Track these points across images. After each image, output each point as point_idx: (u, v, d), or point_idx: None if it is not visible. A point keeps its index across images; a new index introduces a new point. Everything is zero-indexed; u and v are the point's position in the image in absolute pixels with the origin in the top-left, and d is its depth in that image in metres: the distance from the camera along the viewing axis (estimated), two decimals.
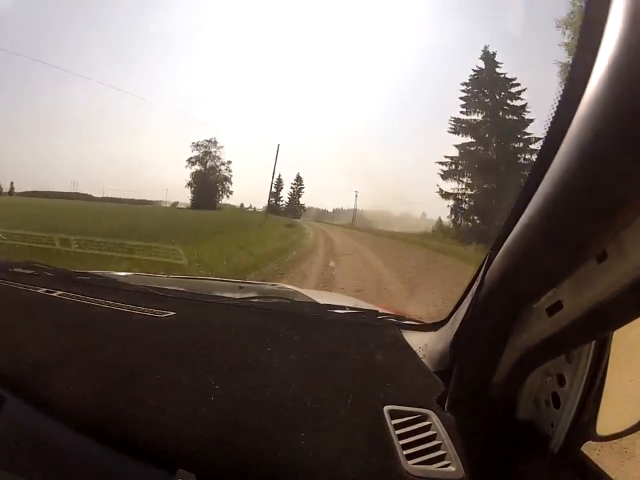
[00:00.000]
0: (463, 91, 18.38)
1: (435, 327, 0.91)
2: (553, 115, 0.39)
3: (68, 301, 1.07)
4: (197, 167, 27.45)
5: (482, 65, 17.93)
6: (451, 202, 18.95)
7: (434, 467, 0.56)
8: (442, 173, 18.70)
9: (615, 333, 0.57)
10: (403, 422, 0.63)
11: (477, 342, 0.62)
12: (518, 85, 17.46)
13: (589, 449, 0.63)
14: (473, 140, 18.37)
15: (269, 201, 23.57)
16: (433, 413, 0.65)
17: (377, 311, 1.22)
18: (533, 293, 0.49)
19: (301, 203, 31.79)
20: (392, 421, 0.63)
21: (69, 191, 27.54)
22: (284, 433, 0.59)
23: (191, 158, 27.60)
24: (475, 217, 18.18)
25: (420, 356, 0.86)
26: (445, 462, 0.57)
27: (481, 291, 0.56)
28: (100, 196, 28.65)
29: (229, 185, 27.79)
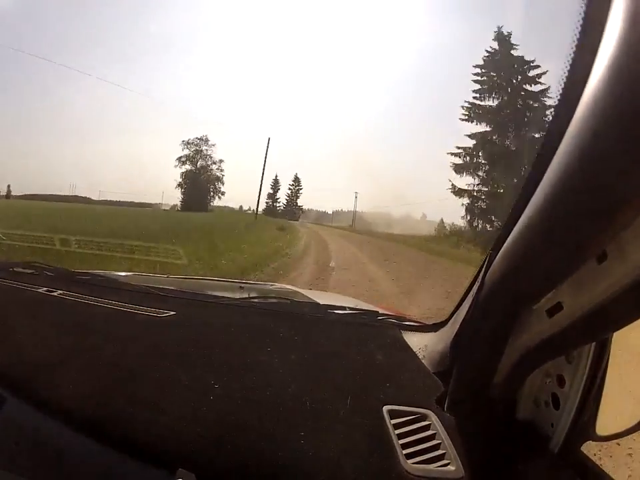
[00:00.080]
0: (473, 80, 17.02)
1: (435, 327, 0.91)
2: (552, 114, 0.40)
3: (68, 300, 1.07)
4: (188, 167, 26.44)
5: (496, 45, 16.84)
6: (466, 200, 17.04)
7: (433, 466, 0.56)
8: (454, 166, 17.23)
9: (614, 334, 0.58)
10: (403, 422, 0.63)
11: (477, 342, 0.62)
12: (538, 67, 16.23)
13: (589, 449, 0.63)
14: (484, 130, 16.79)
15: (258, 202, 21.84)
16: (433, 413, 0.65)
17: (377, 312, 1.22)
18: (533, 293, 0.49)
19: (299, 204, 31.50)
20: (391, 421, 0.63)
21: (67, 194, 27.38)
22: (284, 433, 0.59)
23: (181, 157, 26.42)
24: (493, 218, 16.24)
25: (420, 357, 0.86)
26: (445, 461, 0.57)
27: (481, 291, 0.56)
28: (99, 199, 28.47)
29: (221, 186, 26.81)
